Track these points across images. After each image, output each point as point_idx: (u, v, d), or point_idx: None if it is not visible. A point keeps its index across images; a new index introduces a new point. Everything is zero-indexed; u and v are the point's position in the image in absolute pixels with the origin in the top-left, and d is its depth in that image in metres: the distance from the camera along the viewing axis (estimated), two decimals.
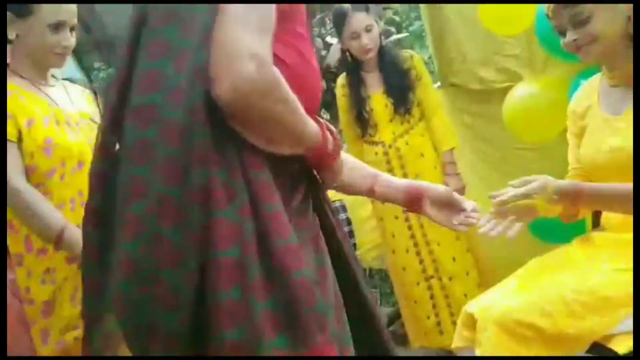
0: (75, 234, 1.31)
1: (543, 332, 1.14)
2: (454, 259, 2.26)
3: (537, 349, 1.14)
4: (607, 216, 1.37)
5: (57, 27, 1.46)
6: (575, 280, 1.20)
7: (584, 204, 1.31)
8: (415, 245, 2.28)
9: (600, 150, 1.34)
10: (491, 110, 2.30)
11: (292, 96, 0.79)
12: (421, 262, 2.28)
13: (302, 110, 0.82)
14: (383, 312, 3.08)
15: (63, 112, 1.50)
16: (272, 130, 0.81)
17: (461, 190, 2.24)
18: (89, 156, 1.21)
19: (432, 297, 2.28)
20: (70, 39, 1.51)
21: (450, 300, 2.25)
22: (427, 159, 2.26)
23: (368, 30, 2.15)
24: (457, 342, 1.34)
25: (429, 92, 2.24)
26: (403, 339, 2.60)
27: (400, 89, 2.19)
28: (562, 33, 1.37)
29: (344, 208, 2.51)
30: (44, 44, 1.46)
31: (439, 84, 2.50)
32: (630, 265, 1.16)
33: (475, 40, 2.28)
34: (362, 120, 2.26)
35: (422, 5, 2.61)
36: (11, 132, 1.38)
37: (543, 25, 1.76)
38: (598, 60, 1.36)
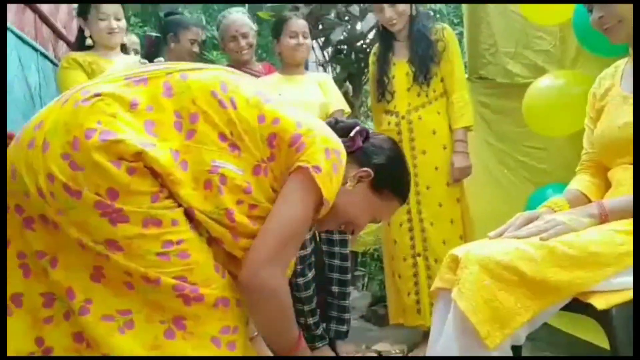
0: None
1: (525, 276, 1.12)
2: (444, 242, 2.24)
3: (517, 293, 1.12)
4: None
5: None
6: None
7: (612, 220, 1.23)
8: (409, 220, 2.27)
9: (613, 127, 1.34)
10: (510, 106, 2.33)
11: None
12: (412, 238, 2.26)
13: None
14: (368, 292, 3.08)
15: None
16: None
17: (467, 169, 2.23)
18: None
19: (415, 274, 2.26)
20: None
21: (432, 282, 2.21)
22: (438, 137, 2.25)
23: (391, 5, 2.20)
24: (437, 284, 1.32)
25: (455, 67, 2.22)
26: (383, 319, 2.59)
27: (423, 58, 2.19)
28: (591, 11, 1.38)
29: None
30: None
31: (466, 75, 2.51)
32: (629, 228, 1.16)
33: (509, 33, 2.31)
34: (382, 86, 2.27)
35: None
36: None
37: (580, 17, 1.78)
38: (625, 41, 1.36)
